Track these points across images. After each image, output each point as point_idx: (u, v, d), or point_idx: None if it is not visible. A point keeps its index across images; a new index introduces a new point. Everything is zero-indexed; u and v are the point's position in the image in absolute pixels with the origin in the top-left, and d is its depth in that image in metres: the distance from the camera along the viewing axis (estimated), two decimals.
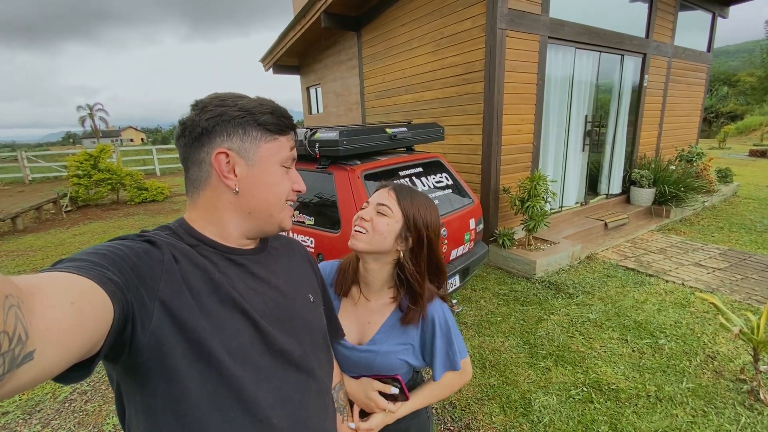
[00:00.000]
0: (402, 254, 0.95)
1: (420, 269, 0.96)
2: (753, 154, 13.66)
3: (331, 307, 0.94)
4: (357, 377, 0.98)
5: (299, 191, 0.74)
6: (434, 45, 4.64)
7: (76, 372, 0.46)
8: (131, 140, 79.26)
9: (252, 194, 0.68)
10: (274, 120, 0.68)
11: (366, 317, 1.00)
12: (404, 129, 2.96)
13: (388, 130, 2.83)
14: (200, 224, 0.69)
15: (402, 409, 0.95)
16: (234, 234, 0.70)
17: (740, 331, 2.13)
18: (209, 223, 0.69)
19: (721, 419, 2.06)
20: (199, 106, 0.67)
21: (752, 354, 2.25)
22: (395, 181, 1.05)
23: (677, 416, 2.09)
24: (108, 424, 2.21)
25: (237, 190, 0.67)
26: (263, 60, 8.52)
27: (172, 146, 18.78)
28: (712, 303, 2.33)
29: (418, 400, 0.99)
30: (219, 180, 0.66)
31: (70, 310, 0.40)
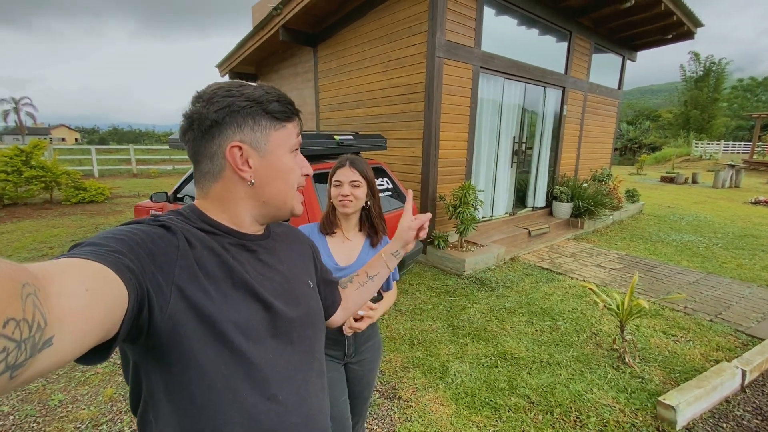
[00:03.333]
0: (368, 203, 1.47)
1: (377, 209, 1.52)
2: (663, 180, 15.70)
3: (331, 281, 0.98)
4: None
5: (306, 174, 0.75)
6: (383, 66, 5.15)
7: (94, 355, 0.47)
8: (63, 139, 72.69)
9: (267, 184, 0.69)
10: (281, 107, 0.69)
11: (349, 247, 1.49)
12: (351, 137, 3.35)
13: (336, 137, 3.20)
14: (213, 212, 0.70)
15: (380, 307, 1.44)
16: (247, 221, 0.72)
17: (605, 306, 2.71)
18: (222, 212, 0.70)
19: (593, 376, 2.60)
20: (204, 98, 0.66)
21: (619, 327, 2.84)
22: (345, 156, 1.49)
23: (560, 375, 2.60)
24: (53, 399, 2.31)
25: (253, 181, 0.68)
26: (220, 66, 8.61)
27: (114, 147, 17.74)
28: (590, 288, 2.92)
29: (385, 302, 1.50)
30: (233, 172, 0.67)
31: (85, 297, 0.40)
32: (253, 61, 8.36)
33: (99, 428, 2.13)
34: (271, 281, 0.72)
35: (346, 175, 1.43)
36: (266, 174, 0.69)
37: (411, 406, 2.29)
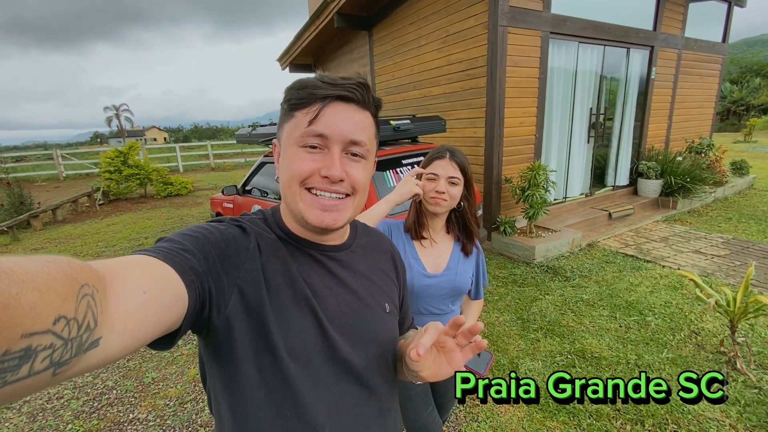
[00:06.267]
0: (462, 204, 1.27)
1: (472, 210, 1.30)
2: None
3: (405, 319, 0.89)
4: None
5: (326, 177, 0.60)
6: (440, 42, 4.86)
7: (160, 343, 0.49)
8: (154, 139, 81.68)
9: (280, 181, 0.65)
10: (292, 94, 0.62)
11: (437, 252, 1.31)
12: (407, 121, 3.21)
13: (392, 122, 3.08)
14: (285, 216, 0.68)
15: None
16: (296, 226, 0.67)
17: (716, 302, 2.30)
18: (288, 215, 0.68)
19: None
20: None
21: (729, 326, 2.41)
22: (444, 146, 1.29)
23: None
24: (148, 377, 2.57)
25: (276, 177, 0.66)
26: (280, 59, 8.88)
27: (194, 144, 19.44)
28: (691, 279, 2.50)
29: (473, 316, 1.38)
30: None
31: (141, 300, 0.42)
32: (311, 52, 8.47)
33: (184, 406, 2.32)
34: (337, 297, 0.66)
35: (445, 168, 1.21)
36: (279, 170, 0.65)
37: (477, 405, 2.17)
